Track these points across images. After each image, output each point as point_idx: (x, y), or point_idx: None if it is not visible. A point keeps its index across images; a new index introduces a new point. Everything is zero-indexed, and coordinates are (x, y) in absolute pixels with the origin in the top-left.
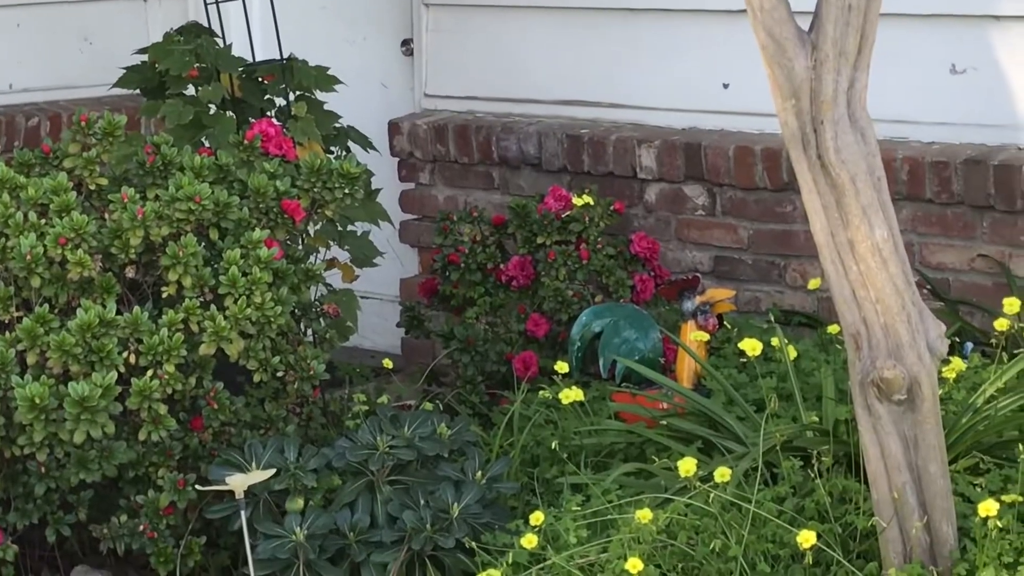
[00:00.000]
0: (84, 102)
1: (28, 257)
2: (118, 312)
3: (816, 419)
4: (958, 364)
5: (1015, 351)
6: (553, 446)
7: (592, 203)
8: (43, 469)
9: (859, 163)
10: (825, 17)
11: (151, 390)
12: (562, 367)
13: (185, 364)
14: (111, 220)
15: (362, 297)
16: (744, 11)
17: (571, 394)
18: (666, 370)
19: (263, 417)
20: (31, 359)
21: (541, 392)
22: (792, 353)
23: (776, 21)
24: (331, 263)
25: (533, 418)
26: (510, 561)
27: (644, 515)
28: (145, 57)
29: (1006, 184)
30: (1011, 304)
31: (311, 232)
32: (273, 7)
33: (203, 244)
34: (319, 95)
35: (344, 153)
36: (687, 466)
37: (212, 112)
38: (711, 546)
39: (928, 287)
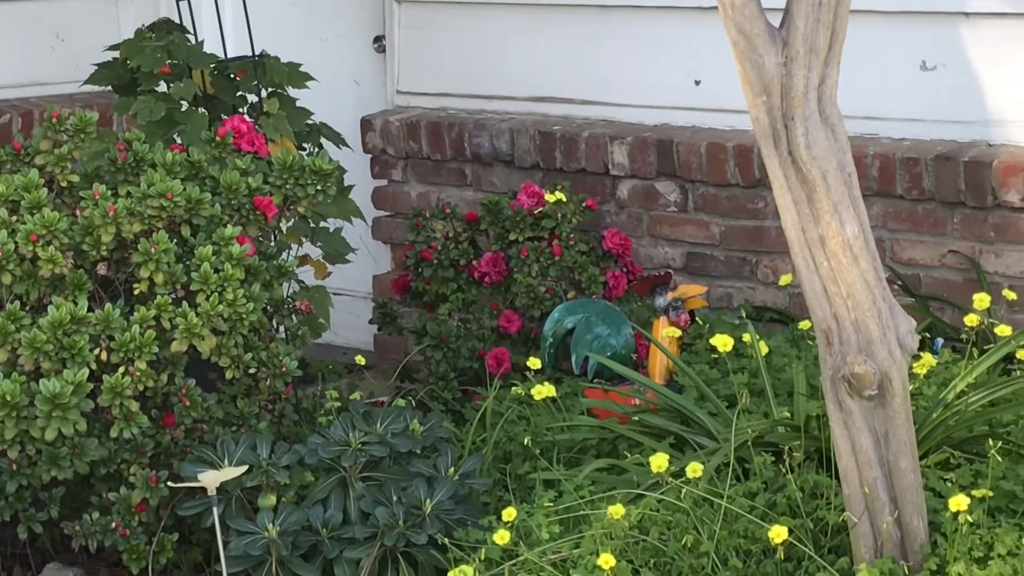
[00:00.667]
0: (55, 99)
1: None
2: (90, 309)
3: (787, 415)
4: (928, 360)
5: (985, 347)
6: (526, 442)
7: (564, 199)
8: (14, 466)
9: (830, 159)
10: (796, 13)
11: (123, 387)
12: (534, 363)
13: (157, 361)
14: (83, 217)
15: (335, 294)
16: (715, 8)
17: (543, 390)
18: (638, 366)
19: (235, 414)
20: (2, 356)
21: (513, 388)
22: (764, 349)
23: (747, 18)
24: (303, 260)
25: (505, 414)
26: (482, 557)
27: (616, 511)
28: (117, 54)
29: (976, 180)
30: (981, 300)
31: (283, 228)
32: (245, 4)
33: (175, 241)
34: (291, 92)
35: (316, 150)
36: (659, 462)
37: (184, 109)
38: (683, 541)
39: (899, 283)
